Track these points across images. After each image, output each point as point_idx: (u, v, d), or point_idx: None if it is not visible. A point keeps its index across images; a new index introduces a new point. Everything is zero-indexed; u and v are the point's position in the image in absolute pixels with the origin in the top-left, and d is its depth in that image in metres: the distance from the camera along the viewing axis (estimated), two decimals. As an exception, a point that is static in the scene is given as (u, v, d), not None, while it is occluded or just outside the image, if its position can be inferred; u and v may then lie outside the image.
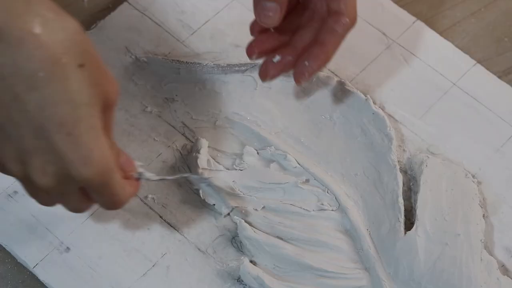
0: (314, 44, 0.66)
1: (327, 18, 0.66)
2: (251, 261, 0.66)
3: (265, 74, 0.68)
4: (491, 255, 0.67)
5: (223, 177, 0.69)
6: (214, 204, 0.68)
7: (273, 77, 0.68)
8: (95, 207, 0.68)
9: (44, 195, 0.58)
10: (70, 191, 0.57)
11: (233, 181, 0.69)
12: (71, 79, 0.52)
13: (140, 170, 0.62)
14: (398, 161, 0.70)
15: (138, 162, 0.63)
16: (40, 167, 0.54)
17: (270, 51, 0.68)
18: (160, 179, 0.65)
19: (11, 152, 0.54)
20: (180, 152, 0.71)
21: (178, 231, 0.68)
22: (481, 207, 0.69)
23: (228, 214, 0.68)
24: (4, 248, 0.67)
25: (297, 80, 0.66)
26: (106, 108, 0.55)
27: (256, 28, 0.68)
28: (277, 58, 0.67)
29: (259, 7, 0.64)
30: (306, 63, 0.66)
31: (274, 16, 0.64)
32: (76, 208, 0.60)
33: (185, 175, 0.69)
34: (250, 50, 0.68)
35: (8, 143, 0.53)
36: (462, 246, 0.66)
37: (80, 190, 0.57)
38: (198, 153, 0.69)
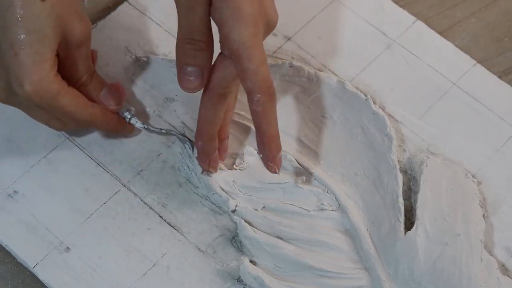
0: (256, 133, 0.65)
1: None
2: (251, 261, 0.66)
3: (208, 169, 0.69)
4: (491, 255, 0.67)
5: (223, 176, 0.69)
6: (220, 196, 0.68)
7: (215, 167, 0.69)
8: (93, 206, 0.68)
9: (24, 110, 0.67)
10: (27, 107, 0.66)
11: (233, 181, 0.69)
12: (30, 8, 0.61)
13: (126, 113, 0.70)
14: (398, 161, 0.70)
15: (131, 106, 0.70)
16: None
17: None
18: (144, 127, 0.71)
19: None
20: (180, 153, 0.71)
21: (178, 231, 0.68)
22: (481, 207, 0.69)
23: (234, 210, 0.68)
24: (4, 248, 0.67)
25: (271, 171, 0.66)
26: (72, 44, 0.64)
27: None
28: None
29: (181, 72, 0.64)
30: (261, 155, 0.66)
31: (195, 81, 0.64)
32: (51, 125, 0.68)
33: (169, 130, 0.71)
34: None
35: None
36: (462, 246, 0.66)
37: (37, 107, 0.65)
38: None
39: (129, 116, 0.70)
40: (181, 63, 0.64)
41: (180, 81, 0.64)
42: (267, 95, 0.63)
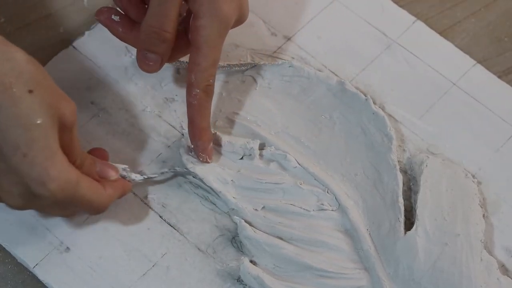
0: (188, 123, 0.68)
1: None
2: (251, 261, 0.66)
3: (100, 13, 0.70)
4: (491, 255, 0.67)
5: (221, 175, 0.69)
6: (219, 193, 0.68)
7: (102, 20, 0.70)
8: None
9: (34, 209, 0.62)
10: (46, 206, 0.60)
11: (231, 181, 0.69)
12: (21, 104, 0.56)
13: (123, 173, 0.66)
14: (398, 161, 0.70)
15: (122, 165, 0.67)
16: (7, 189, 0.58)
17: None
18: (145, 179, 0.68)
19: None
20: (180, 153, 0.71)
21: (178, 231, 0.68)
22: (481, 207, 0.69)
23: (234, 209, 0.68)
24: (4, 248, 0.67)
25: (203, 161, 0.69)
26: (65, 128, 0.59)
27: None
28: (117, 18, 0.69)
29: (141, 55, 0.67)
30: (193, 146, 0.68)
31: (154, 65, 0.67)
32: (67, 216, 0.66)
33: (167, 170, 0.69)
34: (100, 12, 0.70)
35: None
36: (462, 246, 0.66)
37: (58, 203, 0.60)
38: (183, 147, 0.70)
39: (126, 174, 0.67)
40: (143, 47, 0.67)
41: (140, 62, 0.68)
42: (205, 92, 0.67)
